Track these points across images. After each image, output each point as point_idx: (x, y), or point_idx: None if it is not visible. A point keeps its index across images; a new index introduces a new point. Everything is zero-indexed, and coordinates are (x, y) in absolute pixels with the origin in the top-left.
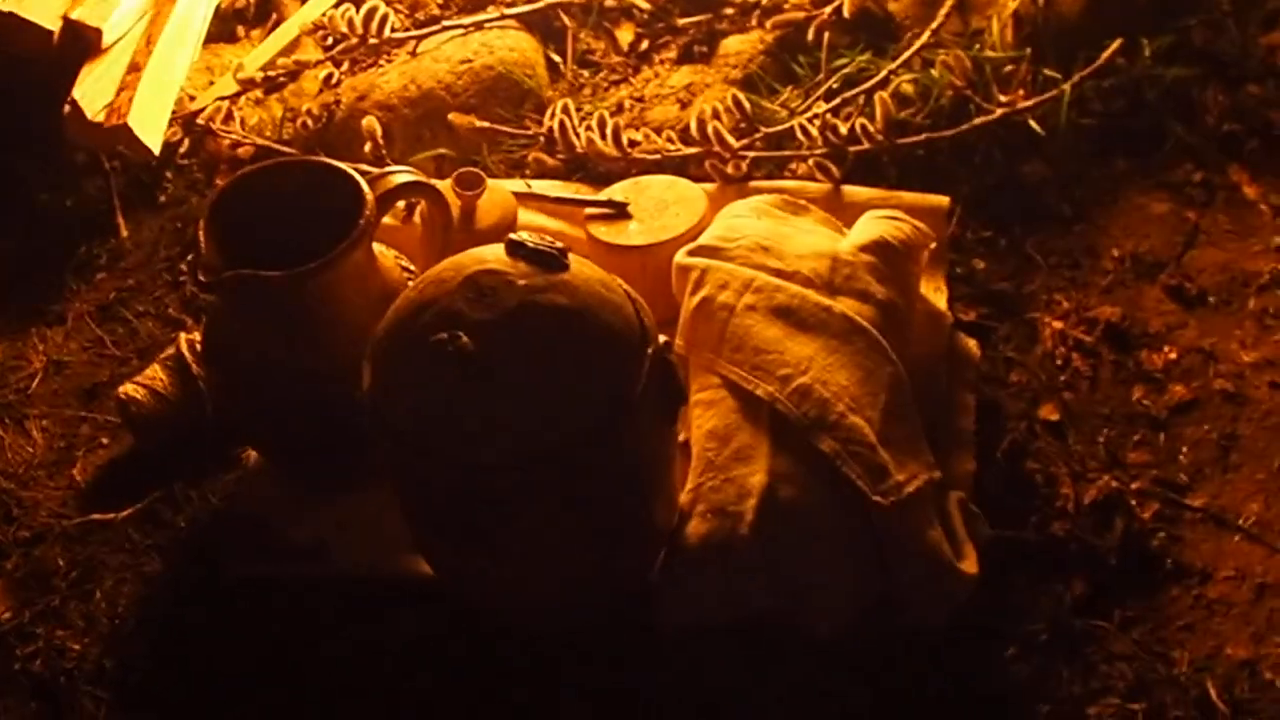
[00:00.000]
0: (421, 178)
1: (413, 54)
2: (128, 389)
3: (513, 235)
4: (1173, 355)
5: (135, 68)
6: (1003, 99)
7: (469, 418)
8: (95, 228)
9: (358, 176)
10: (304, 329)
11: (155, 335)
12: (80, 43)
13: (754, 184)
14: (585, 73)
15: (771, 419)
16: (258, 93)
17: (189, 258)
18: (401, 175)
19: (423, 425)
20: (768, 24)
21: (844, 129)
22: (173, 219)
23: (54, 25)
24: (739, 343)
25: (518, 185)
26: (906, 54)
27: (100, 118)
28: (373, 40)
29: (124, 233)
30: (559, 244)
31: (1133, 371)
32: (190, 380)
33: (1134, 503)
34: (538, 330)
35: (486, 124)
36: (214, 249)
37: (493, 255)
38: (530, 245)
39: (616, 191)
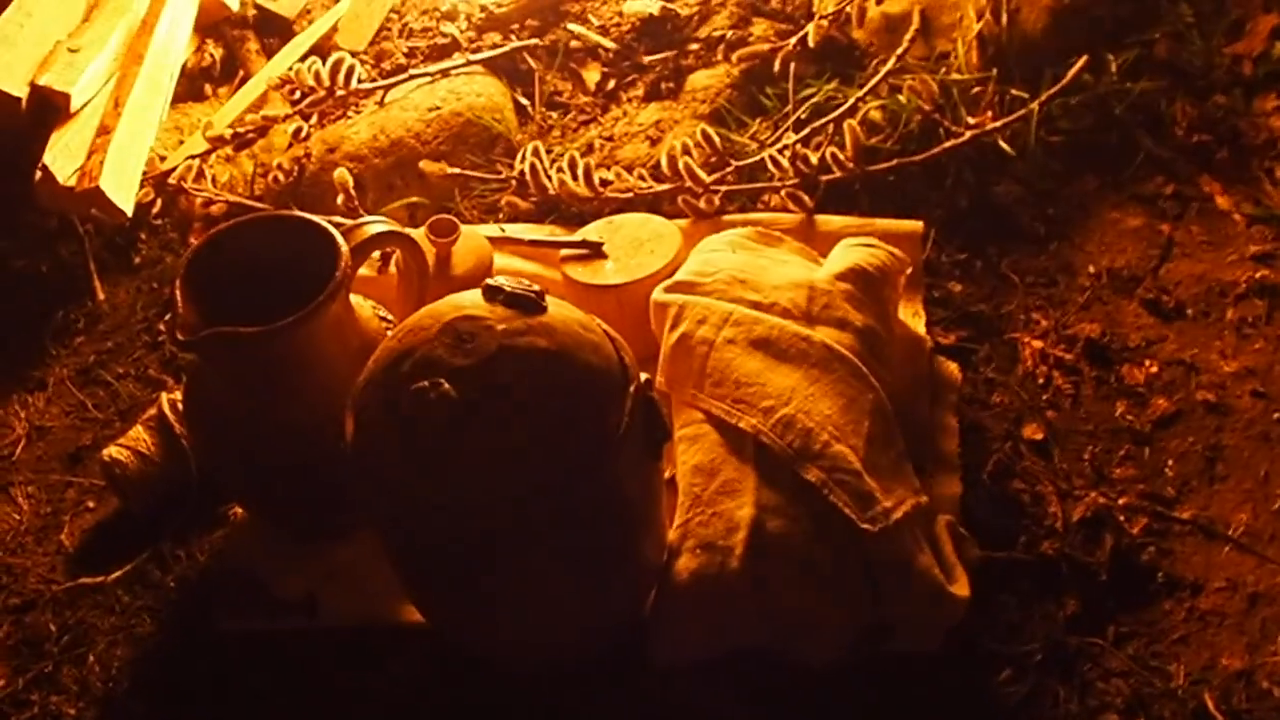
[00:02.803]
0: (395, 227)
1: (380, 104)
2: (112, 451)
3: (489, 280)
4: (1154, 369)
5: (105, 130)
6: (971, 121)
7: (453, 464)
8: (71, 292)
9: (331, 229)
10: (284, 383)
11: (136, 396)
12: (48, 108)
13: (727, 218)
14: (554, 114)
15: (756, 451)
16: (228, 150)
17: (167, 317)
18: (375, 225)
19: (406, 473)
20: (733, 58)
21: (814, 159)
22: (148, 279)
23: (21, 92)
24: (720, 376)
25: (492, 230)
26: (873, 81)
27: (72, 182)
28: (340, 92)
29: (100, 295)
30: (536, 287)
31: (1115, 387)
32: (173, 440)
33: (1122, 518)
34: (518, 374)
35: (457, 170)
36: (190, 308)
37: (470, 301)
38: (508, 289)
39: (591, 231)
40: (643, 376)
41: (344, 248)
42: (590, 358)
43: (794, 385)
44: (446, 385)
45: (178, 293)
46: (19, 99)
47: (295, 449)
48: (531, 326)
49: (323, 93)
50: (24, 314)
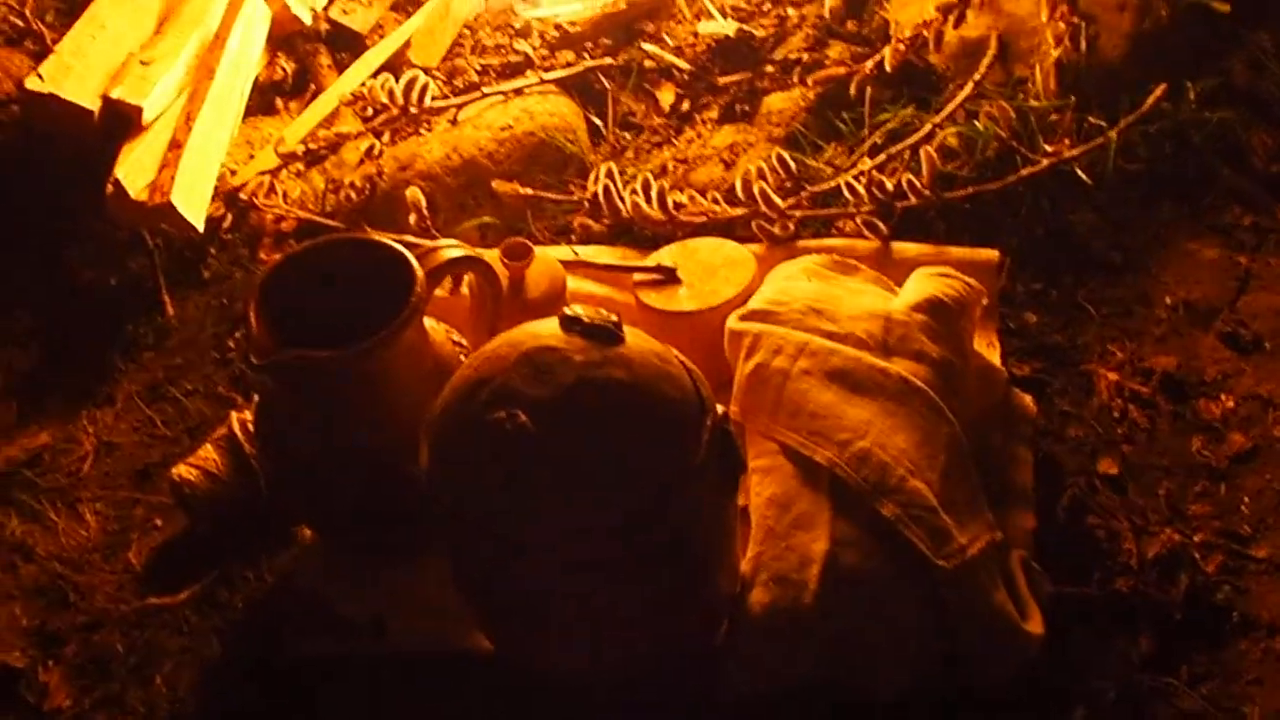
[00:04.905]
0: (471, 251)
1: (453, 122)
2: (181, 470)
3: (567, 310)
4: (1230, 403)
5: (176, 144)
6: (1048, 149)
7: (529, 495)
8: (141, 306)
9: (407, 253)
10: (357, 407)
11: (205, 414)
12: (120, 121)
13: (801, 243)
14: (627, 135)
15: (831, 484)
16: (299, 165)
17: (237, 335)
18: (451, 250)
19: (482, 503)
20: (809, 80)
21: (890, 185)
22: (218, 295)
23: (94, 105)
24: (795, 408)
25: (565, 253)
26: (950, 107)
27: (143, 196)
28: (413, 110)
29: (170, 310)
30: (613, 317)
31: (1190, 421)
32: (243, 460)
33: (1197, 555)
34: (596, 406)
35: (530, 191)
36: (264, 330)
37: (548, 331)
38: (585, 320)
39: (664, 256)
40: (719, 409)
41: (419, 272)
42: (667, 390)
43: (870, 418)
44: (524, 416)
45: (251, 315)
46: (91, 112)
47: (366, 472)
48: (609, 358)
49: (395, 110)
50: (93, 327)
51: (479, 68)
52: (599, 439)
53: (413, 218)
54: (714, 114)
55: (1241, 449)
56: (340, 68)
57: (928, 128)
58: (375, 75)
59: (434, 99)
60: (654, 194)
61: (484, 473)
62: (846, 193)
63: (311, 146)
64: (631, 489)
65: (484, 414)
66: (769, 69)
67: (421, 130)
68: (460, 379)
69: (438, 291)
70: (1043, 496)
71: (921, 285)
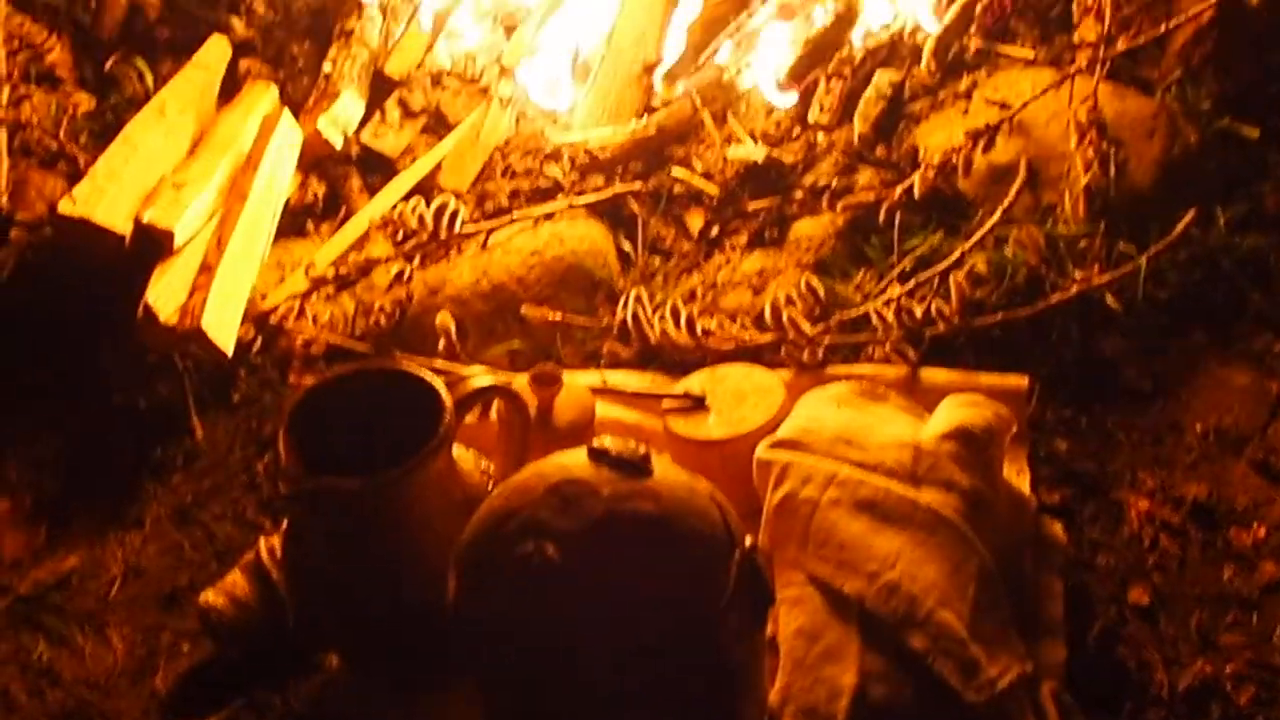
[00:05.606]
0: (499, 381)
1: (483, 246)
2: (208, 597)
3: (596, 441)
4: (1261, 532)
5: (207, 268)
6: (1078, 275)
7: (556, 627)
8: (170, 428)
9: (437, 383)
10: (385, 536)
11: (233, 538)
12: (151, 244)
13: (830, 370)
14: (656, 260)
15: (860, 616)
16: (329, 289)
17: (266, 459)
18: (480, 379)
19: (510, 634)
20: (838, 206)
21: (919, 311)
22: (247, 418)
23: (125, 229)
24: (824, 538)
25: (593, 379)
26: (979, 233)
27: (173, 321)
28: (443, 235)
29: (199, 433)
30: (642, 449)
31: (1222, 550)
32: (270, 587)
33: (1229, 687)
34: (623, 539)
35: (559, 316)
36: (293, 457)
37: (576, 462)
38: (613, 452)
39: (693, 382)
40: (748, 539)
41: (448, 402)
42: (696, 523)
43: (899, 549)
44: (552, 549)
45: (281, 443)
46: (123, 236)
47: (395, 601)
48: (637, 490)
49: (426, 235)
50: (122, 450)
51: (509, 192)
52: (627, 572)
53: (442, 343)
54: (743, 239)
55: (1273, 579)
56: (371, 191)
57: (957, 254)
58: (406, 199)
59: (464, 223)
60: (683, 320)
61: (512, 605)
62: (875, 319)
63: (342, 270)
64: (659, 623)
65: (512, 546)
66: (798, 194)
67: (452, 254)
68: (488, 510)
69: (467, 418)
70: (1073, 626)
71: (951, 413)
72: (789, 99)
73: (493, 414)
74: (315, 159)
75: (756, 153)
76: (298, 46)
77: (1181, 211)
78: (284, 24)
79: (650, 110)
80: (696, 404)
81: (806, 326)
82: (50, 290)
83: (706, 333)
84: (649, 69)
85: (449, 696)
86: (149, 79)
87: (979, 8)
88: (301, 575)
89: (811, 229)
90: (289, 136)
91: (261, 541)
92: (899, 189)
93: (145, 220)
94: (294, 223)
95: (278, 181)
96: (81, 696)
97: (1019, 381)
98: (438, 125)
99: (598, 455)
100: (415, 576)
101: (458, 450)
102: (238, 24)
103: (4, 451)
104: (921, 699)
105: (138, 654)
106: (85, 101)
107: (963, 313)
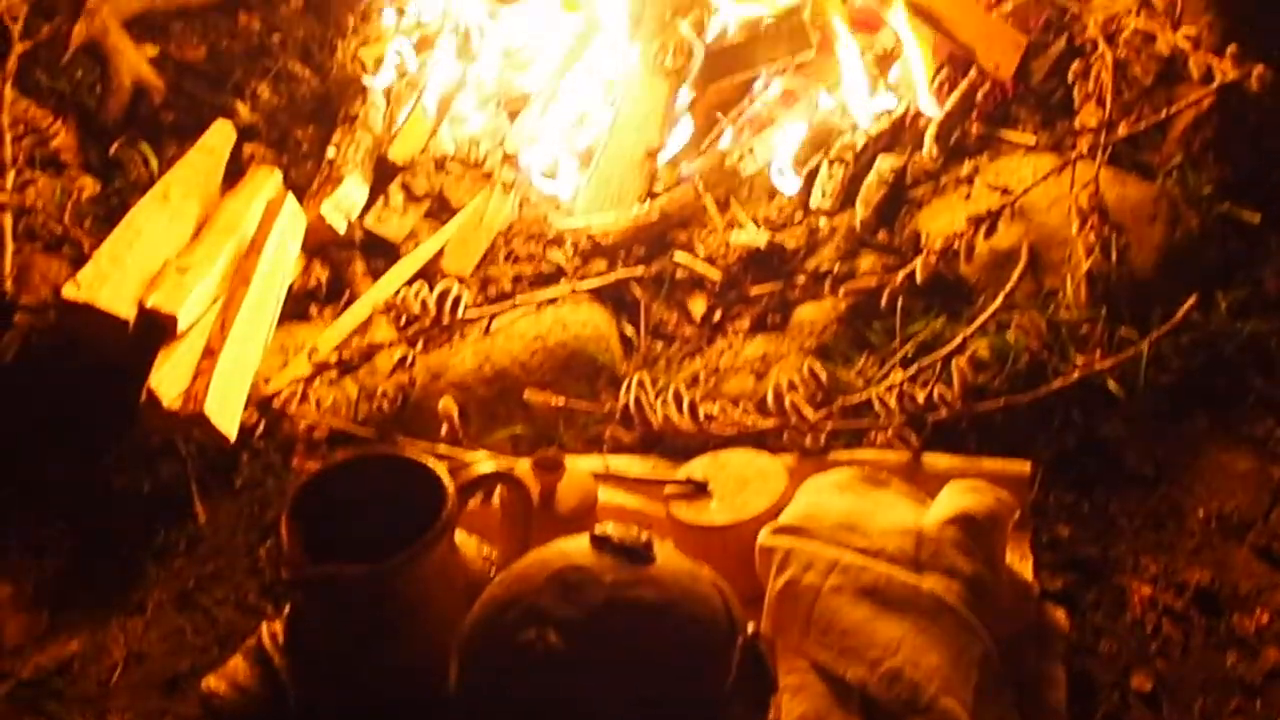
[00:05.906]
0: (502, 468)
1: (486, 331)
2: (210, 682)
3: (598, 528)
4: (1264, 619)
5: (210, 353)
6: (1079, 360)
7: (558, 715)
8: (173, 512)
9: (439, 471)
10: (387, 623)
11: (235, 623)
12: (155, 328)
13: (833, 455)
14: (659, 345)
15: (863, 703)
16: (332, 373)
17: (268, 543)
18: (482, 465)
19: None
20: (840, 291)
21: (921, 396)
22: (249, 502)
23: (129, 314)
24: (826, 625)
25: (596, 464)
26: (981, 318)
27: (176, 406)
28: (446, 320)
29: (201, 518)
30: (644, 536)
31: (1225, 636)
32: (272, 672)
33: None
34: (625, 627)
35: (562, 401)
36: (295, 544)
37: (577, 549)
38: (615, 540)
39: (695, 468)
40: (750, 626)
41: (450, 490)
42: (699, 610)
43: (901, 636)
44: (553, 637)
45: (284, 530)
46: (126, 321)
47: (397, 689)
48: (639, 578)
49: (429, 320)
50: (125, 534)
51: (512, 276)
52: (629, 660)
53: (444, 429)
54: (745, 324)
55: (1276, 665)
56: (375, 275)
57: (959, 339)
58: (409, 284)
59: (467, 308)
60: (685, 405)
61: (513, 692)
62: (878, 404)
63: (345, 355)
64: (662, 711)
65: (514, 633)
66: (800, 279)
67: (455, 339)
68: (490, 597)
69: (469, 504)
70: (1076, 713)
71: (953, 499)
72: (792, 184)
73: (495, 500)
74: (319, 243)
75: (759, 238)
76: (302, 131)
77: (1183, 296)
78: (288, 109)
79: (653, 195)
80: (699, 490)
81: (809, 412)
82: (54, 374)
83: (709, 418)
84: (651, 154)
85: None
86: (154, 163)
87: (980, 93)
88: (303, 661)
89: (814, 314)
90: (293, 221)
91: (264, 626)
92: (901, 274)
93: (149, 305)
94: (297, 307)
95: (281, 266)
96: None
97: (1021, 467)
98: (441, 210)
99: (600, 542)
100: (417, 663)
101: (460, 536)
102: (242, 109)
103: (6, 535)
104: None
105: None
106: (90, 186)
107: (965, 398)
